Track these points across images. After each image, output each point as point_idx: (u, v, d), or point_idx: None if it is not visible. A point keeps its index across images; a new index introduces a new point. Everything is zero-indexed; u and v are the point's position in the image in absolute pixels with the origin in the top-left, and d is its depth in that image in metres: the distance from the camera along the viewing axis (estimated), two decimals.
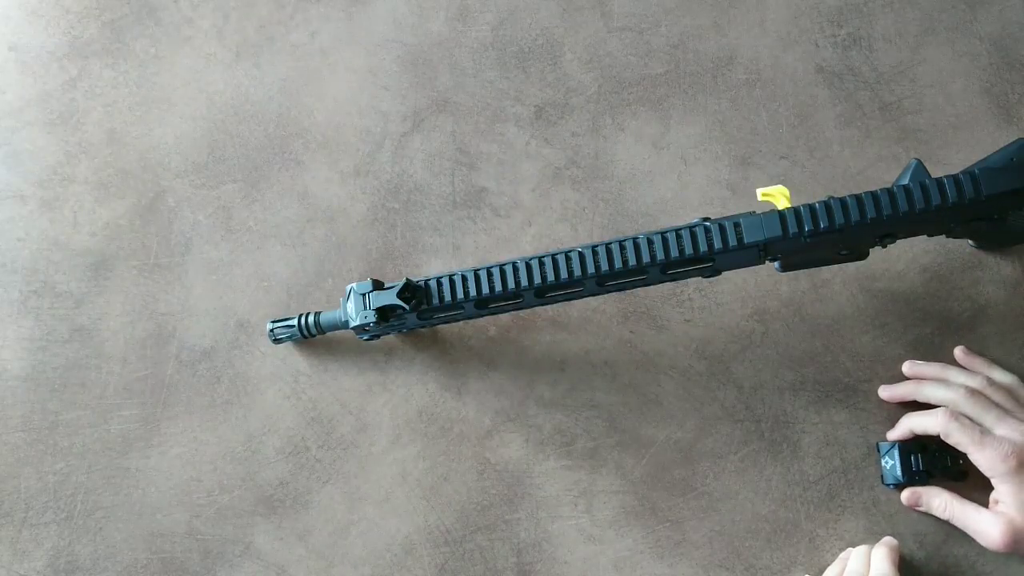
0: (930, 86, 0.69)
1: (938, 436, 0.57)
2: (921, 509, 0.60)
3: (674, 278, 0.58)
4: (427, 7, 0.74)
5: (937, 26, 0.70)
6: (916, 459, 0.59)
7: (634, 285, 0.58)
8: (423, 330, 0.66)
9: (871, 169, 0.67)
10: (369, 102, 0.72)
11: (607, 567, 0.61)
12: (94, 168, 0.72)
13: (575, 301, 0.64)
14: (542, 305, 0.60)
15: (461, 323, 0.65)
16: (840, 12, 0.71)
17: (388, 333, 0.64)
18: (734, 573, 0.60)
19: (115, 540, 0.63)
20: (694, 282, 0.65)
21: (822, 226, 0.53)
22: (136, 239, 0.70)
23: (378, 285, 0.60)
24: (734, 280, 0.65)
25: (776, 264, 0.57)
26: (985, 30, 0.70)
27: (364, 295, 0.60)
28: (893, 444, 0.60)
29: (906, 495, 0.60)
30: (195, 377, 0.66)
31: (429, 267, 0.68)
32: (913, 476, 0.59)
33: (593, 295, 0.59)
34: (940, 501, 0.58)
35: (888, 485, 0.60)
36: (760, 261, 0.56)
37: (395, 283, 0.59)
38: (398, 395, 0.65)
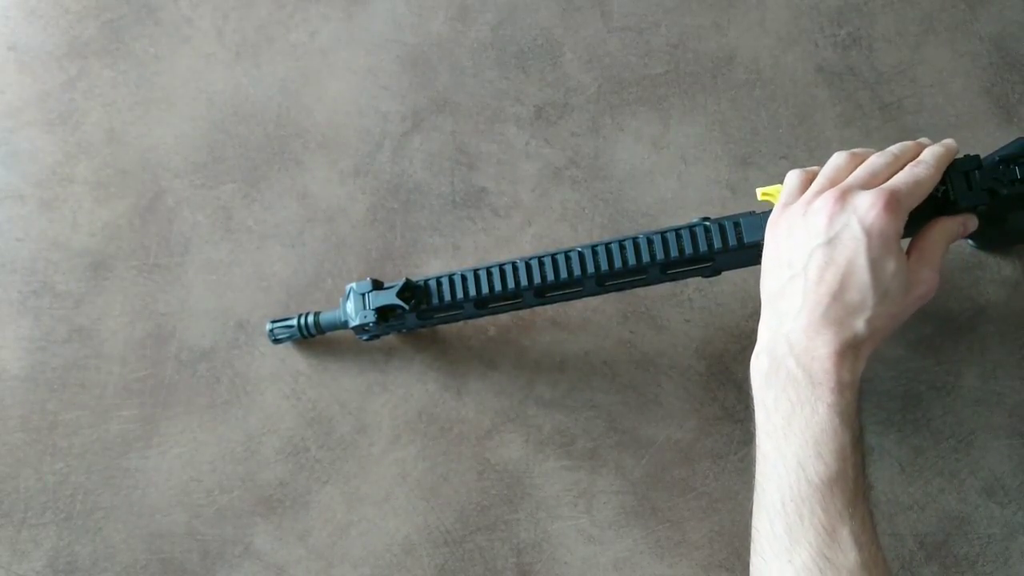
0: (930, 86, 0.69)
1: None
2: None
3: (674, 278, 0.58)
4: (427, 7, 0.74)
5: (937, 26, 0.70)
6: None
7: (634, 285, 0.58)
8: (423, 330, 0.66)
9: None
10: (369, 102, 0.72)
11: (607, 567, 0.61)
12: (93, 168, 0.72)
13: (575, 301, 0.63)
14: (542, 305, 0.60)
15: (461, 323, 0.65)
16: (840, 12, 0.71)
17: (388, 333, 0.64)
18: (734, 573, 0.60)
19: (114, 540, 0.63)
20: (694, 282, 0.65)
21: None
22: (135, 239, 0.70)
23: (378, 285, 0.60)
24: (734, 280, 0.65)
25: None
26: (985, 30, 0.70)
27: (364, 295, 0.60)
28: None
29: None
30: (194, 377, 0.66)
31: (429, 267, 0.68)
32: None
33: (593, 295, 0.59)
34: None
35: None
36: (760, 261, 0.56)
37: (395, 283, 0.59)
38: (398, 395, 0.65)
